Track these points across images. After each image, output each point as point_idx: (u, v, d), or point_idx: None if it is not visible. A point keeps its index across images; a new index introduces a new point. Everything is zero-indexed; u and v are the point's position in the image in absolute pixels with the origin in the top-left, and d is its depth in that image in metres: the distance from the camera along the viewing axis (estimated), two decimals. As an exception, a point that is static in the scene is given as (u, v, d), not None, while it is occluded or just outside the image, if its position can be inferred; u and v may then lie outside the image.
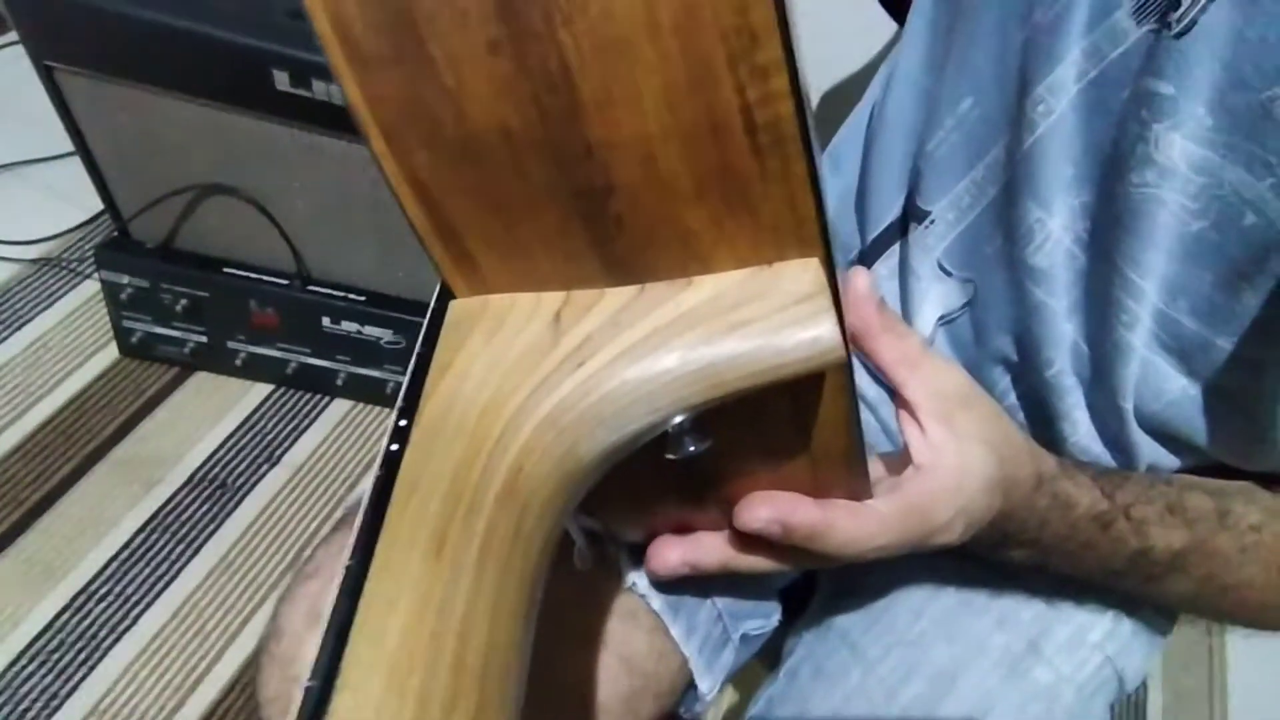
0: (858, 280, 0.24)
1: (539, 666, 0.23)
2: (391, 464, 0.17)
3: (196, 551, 0.77)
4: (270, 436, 0.86)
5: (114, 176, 0.78)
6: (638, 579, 0.31)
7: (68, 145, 1.02)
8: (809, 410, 0.21)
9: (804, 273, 0.17)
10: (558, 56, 0.15)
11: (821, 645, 0.39)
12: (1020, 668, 0.36)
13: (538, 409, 0.17)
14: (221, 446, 0.84)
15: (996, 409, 0.27)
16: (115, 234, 0.82)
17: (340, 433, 0.88)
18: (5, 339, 0.87)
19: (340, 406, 0.90)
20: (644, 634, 0.31)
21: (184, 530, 0.78)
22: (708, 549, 0.26)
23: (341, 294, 0.82)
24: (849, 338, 0.24)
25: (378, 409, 0.90)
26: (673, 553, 0.26)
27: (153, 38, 0.64)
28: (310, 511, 0.82)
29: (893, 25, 0.53)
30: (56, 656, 0.69)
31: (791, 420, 0.22)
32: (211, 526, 0.79)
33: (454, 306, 0.19)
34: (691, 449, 0.18)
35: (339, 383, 0.88)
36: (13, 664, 0.68)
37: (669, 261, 0.17)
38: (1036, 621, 0.37)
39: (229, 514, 0.80)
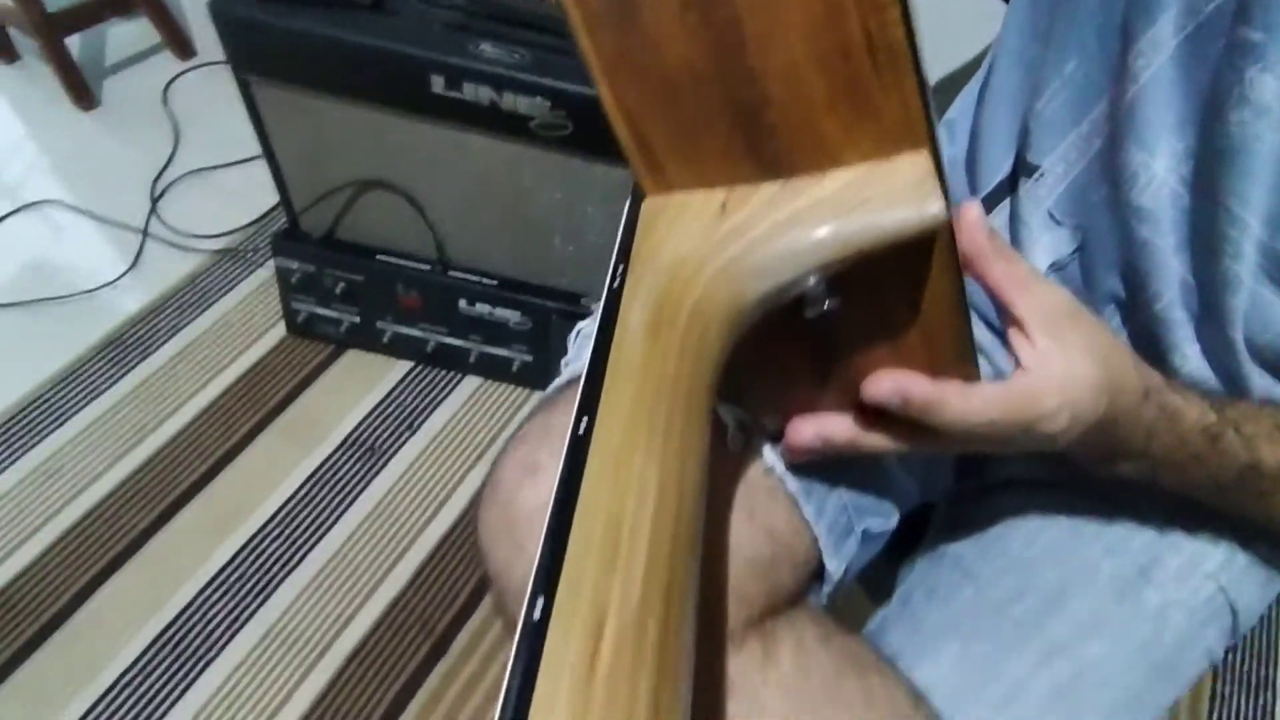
0: (969, 210, 0.28)
1: (707, 552, 0.29)
2: (613, 296, 0.24)
3: (350, 504, 0.87)
4: (411, 408, 0.96)
5: (289, 175, 0.89)
6: (776, 463, 0.35)
7: (241, 154, 1.17)
8: (922, 283, 0.26)
9: (915, 163, 0.22)
10: (730, 8, 0.21)
11: (935, 570, 0.41)
12: (1130, 590, 0.38)
13: (713, 264, 0.23)
14: (369, 415, 0.95)
15: (1103, 325, 0.30)
16: (287, 226, 0.94)
17: (471, 406, 0.97)
18: (195, 319, 1.01)
19: (471, 383, 0.99)
20: (783, 509, 0.35)
21: (340, 485, 0.88)
22: (837, 425, 0.30)
23: (477, 278, 0.91)
24: (962, 262, 0.28)
25: (503, 386, 0.98)
26: (807, 427, 0.31)
27: (331, 51, 0.74)
28: (444, 473, 0.91)
29: (998, 17, 0.57)
30: (237, 587, 0.80)
31: (908, 294, 0.26)
32: (362, 483, 0.89)
33: (646, 204, 0.25)
34: (825, 306, 0.24)
35: (471, 360, 0.96)
36: (200, 592, 0.80)
37: (809, 160, 0.23)
38: (1147, 550, 0.39)
39: (376, 473, 0.90)
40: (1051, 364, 0.28)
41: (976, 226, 0.28)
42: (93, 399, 0.92)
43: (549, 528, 0.19)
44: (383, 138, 0.82)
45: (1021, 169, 0.41)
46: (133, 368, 0.95)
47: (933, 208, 0.22)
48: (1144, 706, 0.37)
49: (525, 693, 0.16)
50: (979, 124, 0.44)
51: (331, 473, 0.90)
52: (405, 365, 0.99)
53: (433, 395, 0.97)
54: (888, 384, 0.27)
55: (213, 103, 1.24)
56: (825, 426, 0.30)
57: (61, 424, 0.90)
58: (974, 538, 0.41)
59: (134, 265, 1.05)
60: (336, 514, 0.86)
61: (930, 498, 0.45)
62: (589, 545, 0.19)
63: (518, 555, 0.32)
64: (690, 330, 0.22)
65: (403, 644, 0.78)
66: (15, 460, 0.87)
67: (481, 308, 0.92)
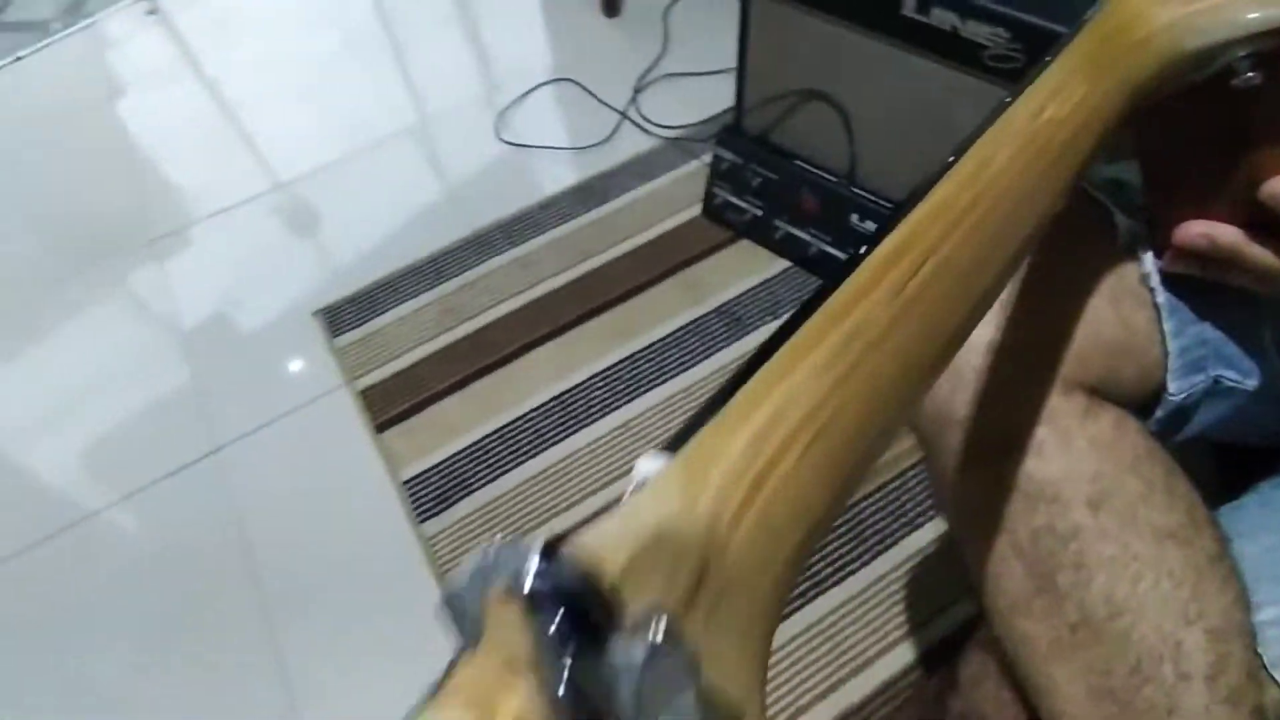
0: None
1: (1065, 304, 0.35)
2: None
3: (710, 355, 1.04)
4: (778, 298, 1.09)
5: (749, 79, 1.06)
6: (1154, 273, 0.38)
7: (708, 66, 1.39)
8: None
9: None
10: None
11: (1278, 491, 0.40)
12: None
13: (1162, 18, 0.29)
14: (744, 294, 1.10)
15: None
16: (732, 123, 1.12)
17: (830, 313, 1.07)
18: (638, 187, 1.26)
19: (836, 294, 1.09)
20: (1145, 314, 0.38)
21: (706, 339, 1.06)
22: (1224, 230, 0.33)
23: (875, 198, 1.00)
24: None
25: (864, 305, 1.06)
26: (1195, 225, 0.33)
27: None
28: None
29: None
30: (615, 384, 1.03)
31: None
32: (723, 343, 1.06)
33: None
34: (1249, 75, 0.28)
35: (844, 272, 1.06)
36: (590, 378, 1.04)
37: None
38: None
39: (735, 340, 1.06)
40: None
41: None
42: (561, 224, 1.22)
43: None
44: (838, 54, 0.93)
45: None
46: (591, 209, 1.24)
47: None
48: None
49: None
50: None
51: (703, 328, 1.08)
52: (784, 263, 1.13)
53: (800, 293, 1.09)
54: None
55: (699, 23, 1.49)
56: (1213, 227, 0.33)
57: (539, 235, 1.21)
58: None
59: (610, 137, 1.34)
60: (698, 359, 1.04)
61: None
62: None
63: None
64: (1129, 55, 0.29)
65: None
66: (503, 252, 1.20)
67: (870, 226, 1.01)
